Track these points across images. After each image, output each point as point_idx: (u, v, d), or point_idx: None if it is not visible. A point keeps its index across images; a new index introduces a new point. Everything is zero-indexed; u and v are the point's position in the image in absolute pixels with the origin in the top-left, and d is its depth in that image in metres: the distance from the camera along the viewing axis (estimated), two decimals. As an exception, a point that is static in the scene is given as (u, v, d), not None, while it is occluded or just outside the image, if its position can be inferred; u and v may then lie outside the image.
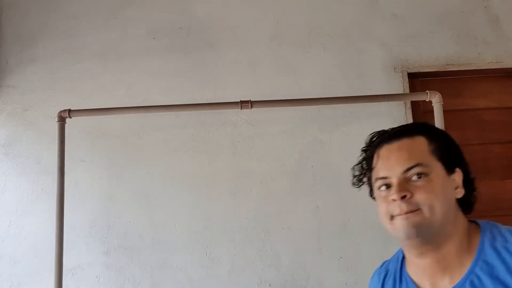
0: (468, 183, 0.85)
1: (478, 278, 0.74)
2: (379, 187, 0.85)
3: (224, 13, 2.17)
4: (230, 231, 1.96)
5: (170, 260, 1.94)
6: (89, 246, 1.97)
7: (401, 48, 2.10)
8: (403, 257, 0.93)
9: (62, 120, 1.67)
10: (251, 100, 1.59)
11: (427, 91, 1.58)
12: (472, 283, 0.74)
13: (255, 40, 2.13)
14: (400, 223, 0.78)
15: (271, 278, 1.91)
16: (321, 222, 1.95)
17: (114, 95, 2.09)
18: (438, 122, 1.55)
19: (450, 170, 0.83)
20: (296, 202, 1.97)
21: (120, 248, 1.96)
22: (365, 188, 1.02)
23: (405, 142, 0.83)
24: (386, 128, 0.94)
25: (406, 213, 0.77)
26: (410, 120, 2.00)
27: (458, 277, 0.76)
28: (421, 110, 2.09)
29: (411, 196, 0.77)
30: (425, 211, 0.76)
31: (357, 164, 0.95)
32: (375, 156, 0.87)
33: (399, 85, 2.04)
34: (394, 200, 0.79)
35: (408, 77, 2.06)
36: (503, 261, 0.73)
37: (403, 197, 0.77)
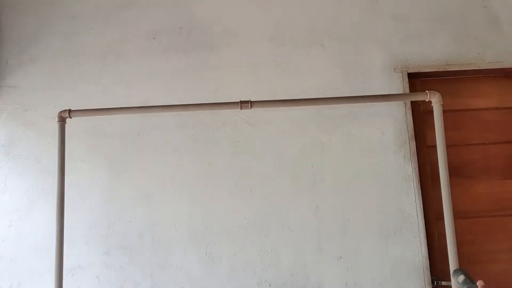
0: None
1: None
2: None
3: (224, 13, 2.17)
4: (230, 231, 1.96)
5: (170, 260, 1.94)
6: (89, 246, 1.97)
7: (401, 48, 2.10)
8: None
9: (62, 120, 1.67)
10: (251, 100, 1.59)
11: (427, 91, 1.58)
12: None
13: (255, 40, 2.13)
14: None
15: (271, 278, 1.92)
16: (321, 222, 1.95)
17: (114, 95, 2.09)
18: (438, 122, 1.55)
19: None
20: (296, 202, 1.97)
21: (120, 248, 1.96)
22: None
23: None
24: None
25: None
26: (410, 120, 2.01)
27: None
28: (421, 110, 2.09)
29: None
30: None
31: None
32: None
33: (399, 85, 2.04)
34: None
35: (408, 77, 2.07)
36: None
37: None
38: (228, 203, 1.98)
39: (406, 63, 2.08)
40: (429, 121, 2.03)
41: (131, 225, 1.98)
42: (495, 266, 1.98)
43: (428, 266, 1.88)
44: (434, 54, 2.09)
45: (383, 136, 2.00)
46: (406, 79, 2.05)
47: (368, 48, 2.10)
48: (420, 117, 2.08)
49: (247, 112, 2.03)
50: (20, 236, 1.99)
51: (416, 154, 1.98)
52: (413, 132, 2.00)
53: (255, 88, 2.07)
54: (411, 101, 2.04)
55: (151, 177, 2.01)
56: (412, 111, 2.03)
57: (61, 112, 1.68)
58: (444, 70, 2.06)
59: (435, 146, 1.61)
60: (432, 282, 1.89)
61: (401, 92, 2.03)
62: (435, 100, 1.56)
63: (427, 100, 1.59)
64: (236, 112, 2.03)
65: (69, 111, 1.68)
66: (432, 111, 1.58)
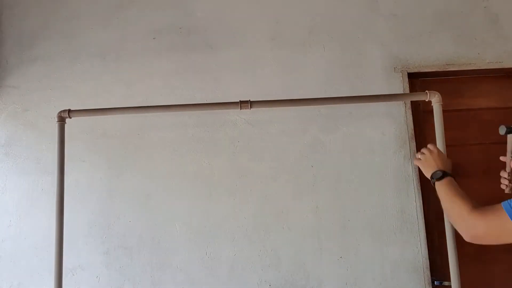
0: None
1: None
2: None
3: (224, 13, 2.17)
4: (230, 231, 1.96)
5: (170, 260, 1.94)
6: (89, 246, 1.97)
7: (401, 48, 2.10)
8: None
9: (62, 120, 1.67)
10: (251, 100, 1.59)
11: (427, 91, 1.57)
12: None
13: (255, 40, 2.13)
14: None
15: (271, 278, 1.92)
16: (321, 222, 1.95)
17: (114, 95, 2.09)
18: (438, 122, 1.55)
19: None
20: (296, 202, 1.97)
21: (120, 248, 1.96)
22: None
23: None
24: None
25: None
26: (410, 120, 2.01)
27: None
28: (421, 110, 2.09)
29: None
30: None
31: None
32: None
33: (399, 85, 2.04)
34: None
35: (408, 77, 2.06)
36: None
37: None
38: (228, 203, 1.98)
39: (406, 63, 2.08)
40: (429, 121, 2.03)
41: (131, 225, 1.98)
42: (495, 266, 1.98)
43: (428, 266, 1.88)
44: (434, 54, 2.08)
45: (383, 136, 2.00)
46: (406, 79, 2.05)
47: (368, 48, 2.10)
48: (420, 117, 2.08)
49: (247, 112, 2.03)
50: (20, 236, 1.99)
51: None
52: (413, 132, 2.00)
53: (255, 88, 2.07)
54: (411, 101, 2.04)
55: (151, 177, 2.01)
56: (412, 111, 2.03)
57: (60, 112, 1.68)
58: (444, 70, 2.06)
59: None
60: (432, 282, 1.89)
61: (401, 92, 2.03)
62: (435, 100, 1.56)
63: (427, 100, 1.59)
64: (236, 112, 2.03)
65: (69, 111, 1.67)
66: (432, 111, 1.57)
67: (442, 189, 1.25)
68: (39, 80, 2.13)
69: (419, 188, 1.95)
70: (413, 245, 1.90)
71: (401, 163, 1.97)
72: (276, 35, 2.13)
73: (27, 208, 2.01)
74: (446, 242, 1.52)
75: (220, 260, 1.94)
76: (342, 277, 1.90)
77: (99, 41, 2.16)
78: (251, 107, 1.60)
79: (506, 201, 1.02)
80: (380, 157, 1.99)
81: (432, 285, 1.89)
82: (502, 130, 1.30)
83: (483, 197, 2.03)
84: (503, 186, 1.37)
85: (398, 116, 2.01)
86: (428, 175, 1.33)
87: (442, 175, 1.28)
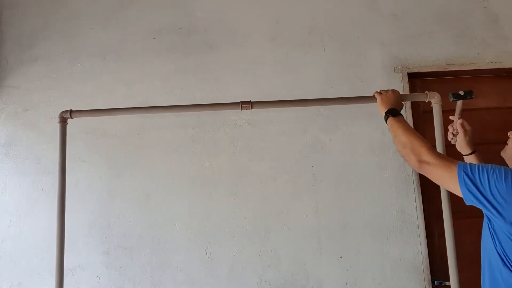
0: None
1: None
2: None
3: (224, 13, 2.17)
4: (230, 231, 1.96)
5: (170, 260, 1.94)
6: (89, 246, 1.97)
7: (401, 48, 2.10)
8: None
9: (63, 121, 1.66)
10: (252, 100, 1.59)
11: (426, 91, 1.57)
12: None
13: (255, 40, 2.13)
14: None
15: (271, 278, 1.92)
16: (321, 222, 1.95)
17: (114, 95, 2.09)
18: (437, 122, 1.55)
19: None
20: (296, 202, 1.97)
21: (120, 248, 1.96)
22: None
23: None
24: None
25: None
26: (410, 120, 2.01)
27: None
28: (421, 110, 2.09)
29: None
30: None
31: None
32: None
33: (399, 85, 2.04)
34: None
35: (408, 77, 2.07)
36: None
37: None
38: (228, 203, 1.98)
39: (406, 63, 2.08)
40: (429, 121, 2.03)
41: (131, 225, 1.98)
42: (495, 266, 1.98)
43: (428, 266, 1.89)
44: (434, 54, 2.09)
45: (383, 136, 2.00)
46: (406, 79, 2.06)
47: (368, 48, 2.10)
48: (420, 117, 2.08)
49: (247, 112, 2.03)
50: (20, 236, 1.99)
51: (416, 154, 1.97)
52: (413, 132, 1.99)
53: (255, 88, 2.07)
54: (411, 101, 2.04)
55: (151, 177, 2.01)
56: (412, 111, 2.03)
57: (62, 112, 1.67)
58: (444, 70, 2.06)
59: (434, 146, 1.60)
60: (432, 282, 1.89)
61: (401, 92, 2.03)
62: (434, 101, 1.56)
63: (426, 101, 1.59)
64: (236, 112, 2.03)
65: (70, 111, 1.67)
66: (432, 111, 1.58)
67: (398, 125, 1.32)
68: (39, 80, 2.13)
69: (419, 188, 1.96)
70: (413, 245, 1.90)
71: (401, 163, 1.97)
72: (276, 35, 2.14)
73: (27, 208, 2.01)
74: (446, 242, 1.52)
75: (220, 260, 1.94)
76: (342, 277, 1.90)
77: (99, 41, 2.16)
78: (252, 108, 1.59)
79: (461, 165, 1.12)
80: (380, 157, 1.99)
81: (432, 285, 1.89)
82: (450, 97, 1.49)
83: (483, 197, 2.04)
84: (449, 138, 1.58)
85: (398, 116, 2.01)
86: (383, 110, 1.42)
87: (398, 113, 1.37)
